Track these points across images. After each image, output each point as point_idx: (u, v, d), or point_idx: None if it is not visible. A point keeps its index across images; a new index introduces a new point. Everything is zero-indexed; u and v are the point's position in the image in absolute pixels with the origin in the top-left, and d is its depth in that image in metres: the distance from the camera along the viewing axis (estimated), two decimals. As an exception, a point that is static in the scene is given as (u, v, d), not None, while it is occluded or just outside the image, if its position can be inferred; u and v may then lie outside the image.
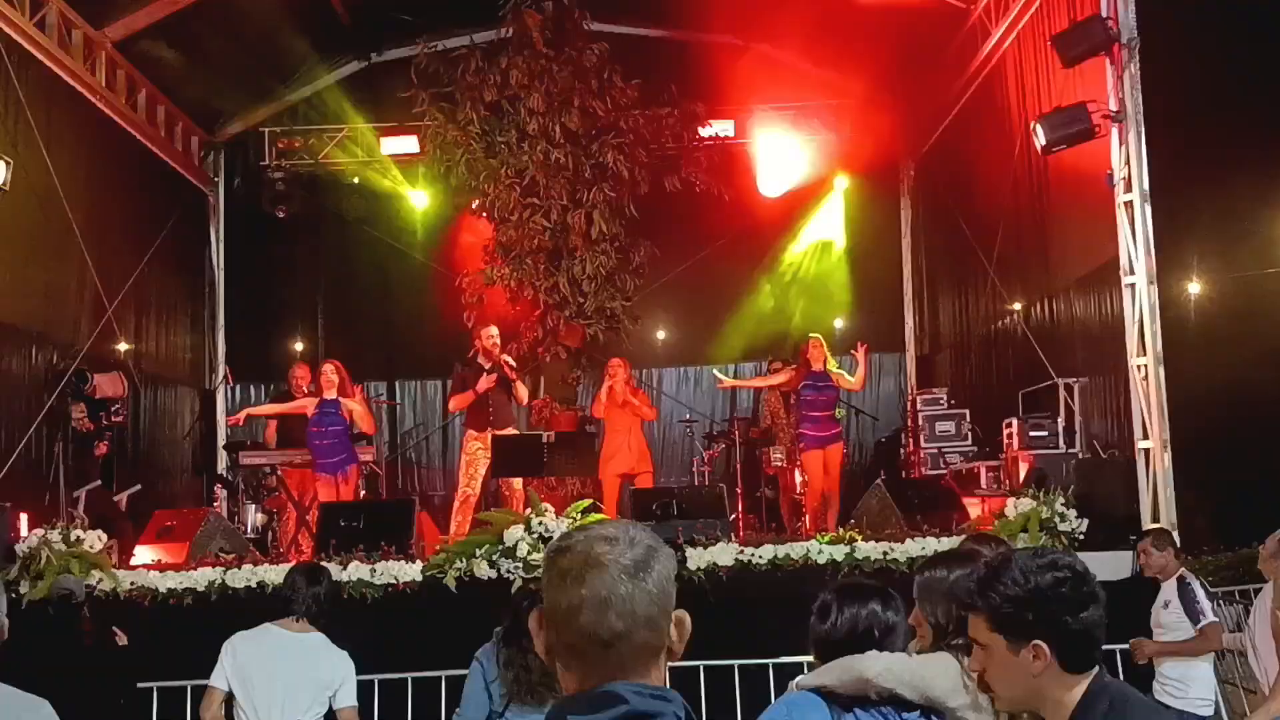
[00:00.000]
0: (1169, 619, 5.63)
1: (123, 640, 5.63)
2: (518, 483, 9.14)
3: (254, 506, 10.06)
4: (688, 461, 11.77)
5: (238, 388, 13.18)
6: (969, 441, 10.70)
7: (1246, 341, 8.25)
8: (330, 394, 8.98)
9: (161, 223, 11.50)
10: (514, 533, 7.15)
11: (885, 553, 7.24)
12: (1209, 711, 5.57)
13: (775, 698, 4.65)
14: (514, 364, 9.55)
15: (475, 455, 9.32)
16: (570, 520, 7.25)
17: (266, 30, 10.52)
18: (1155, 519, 7.45)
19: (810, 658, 2.60)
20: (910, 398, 12.14)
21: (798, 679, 2.54)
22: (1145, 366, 7.69)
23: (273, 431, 10.49)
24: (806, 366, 9.40)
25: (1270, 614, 4.70)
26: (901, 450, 11.77)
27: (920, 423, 10.95)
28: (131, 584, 7.17)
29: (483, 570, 7.08)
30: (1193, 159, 8.15)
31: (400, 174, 12.90)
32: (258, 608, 6.88)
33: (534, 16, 11.38)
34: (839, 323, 13.29)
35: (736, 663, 6.47)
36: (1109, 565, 6.60)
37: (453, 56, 11.72)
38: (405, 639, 6.61)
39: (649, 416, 10.39)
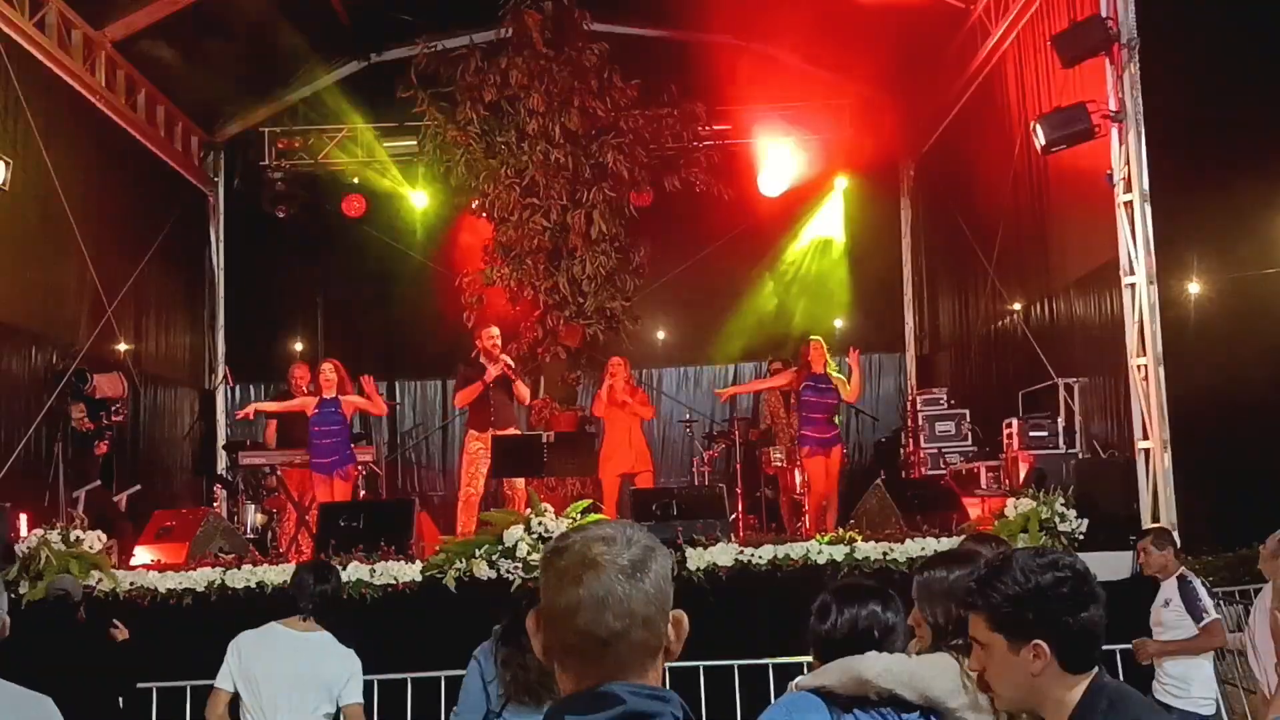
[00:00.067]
0: (1169, 617, 5.63)
1: (123, 634, 5.62)
2: (520, 482, 9.14)
3: (253, 507, 10.05)
4: (687, 461, 11.77)
5: (237, 388, 13.17)
6: (969, 441, 10.69)
7: (1246, 341, 8.26)
8: (329, 393, 8.98)
9: (161, 223, 11.50)
10: (513, 533, 7.15)
11: (885, 553, 7.23)
12: (1210, 711, 5.58)
13: (775, 698, 4.65)
14: (512, 364, 9.54)
15: (476, 455, 9.32)
16: (570, 520, 7.25)
17: (266, 30, 10.52)
18: (1155, 519, 7.45)
19: (810, 658, 2.60)
20: (910, 398, 12.14)
21: (797, 680, 2.54)
22: (1145, 366, 7.68)
23: (272, 431, 10.49)
24: (807, 368, 9.40)
25: (1270, 614, 4.70)
26: (901, 450, 11.76)
27: (920, 423, 10.94)
28: (131, 584, 7.18)
29: (482, 570, 7.08)
30: (1192, 159, 8.16)
31: (400, 174, 12.89)
32: (257, 608, 6.90)
33: (534, 16, 11.38)
34: (839, 323, 13.29)
35: (736, 663, 6.47)
36: (1109, 565, 6.60)
37: (452, 56, 11.72)
38: (405, 639, 6.61)
39: (646, 416, 10.39)
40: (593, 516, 7.40)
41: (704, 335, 13.34)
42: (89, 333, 9.95)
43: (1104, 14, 7.78)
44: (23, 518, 7.86)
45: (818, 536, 7.50)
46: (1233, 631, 6.06)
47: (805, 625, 2.59)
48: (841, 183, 13.16)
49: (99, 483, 9.44)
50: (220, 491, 11.47)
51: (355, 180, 12.90)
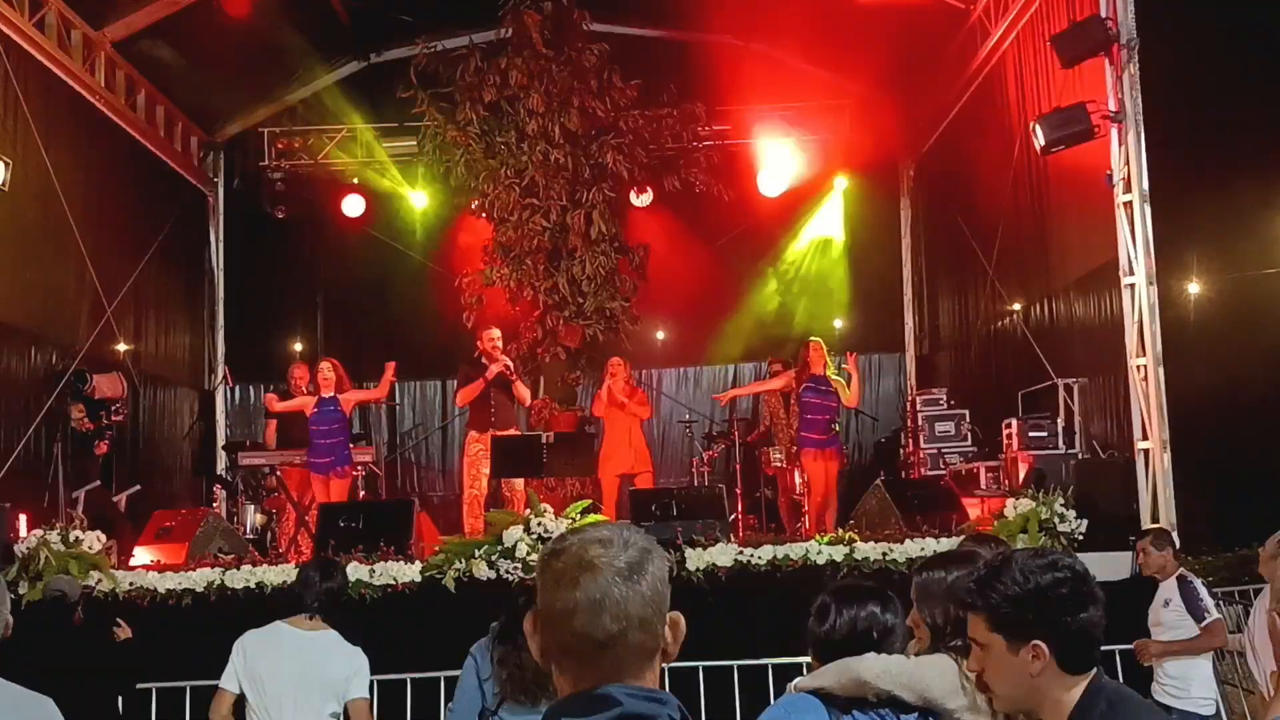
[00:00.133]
0: (1170, 618, 5.63)
1: (126, 633, 5.62)
2: (518, 483, 9.14)
3: (253, 507, 10.05)
4: (687, 462, 11.76)
5: (237, 388, 13.17)
6: (968, 442, 10.69)
7: (1246, 341, 8.26)
8: (327, 392, 8.98)
9: (161, 223, 11.50)
10: (513, 533, 7.15)
11: (885, 553, 7.23)
12: (1210, 711, 5.58)
13: (774, 699, 4.65)
14: (511, 365, 9.53)
15: (477, 456, 9.33)
16: (569, 520, 7.26)
17: (266, 30, 10.51)
18: (1155, 519, 7.44)
19: (809, 659, 2.60)
20: (910, 398, 12.13)
21: (795, 681, 2.54)
22: (1145, 367, 7.68)
23: (272, 432, 10.49)
24: (806, 369, 9.39)
25: (1268, 616, 4.70)
26: (901, 450, 11.75)
27: (920, 423, 10.94)
28: (130, 584, 7.18)
29: (482, 571, 7.08)
30: (1192, 159, 8.16)
31: (399, 174, 12.89)
32: (257, 608, 6.89)
33: (533, 17, 11.39)
34: (839, 323, 13.29)
35: (735, 663, 6.47)
36: (1108, 566, 6.60)
37: (452, 57, 11.73)
38: (404, 640, 6.61)
39: (644, 416, 10.40)
40: (592, 517, 7.41)
41: (704, 335, 13.34)
42: (89, 333, 9.95)
43: (1103, 14, 7.78)
44: (22, 518, 7.86)
45: (817, 537, 7.50)
46: (1232, 632, 6.06)
47: (804, 626, 2.59)
48: (841, 183, 13.15)
49: (98, 483, 9.45)
50: (220, 492, 11.47)
51: (355, 180, 12.89)
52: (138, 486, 10.28)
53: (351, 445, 9.56)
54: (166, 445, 11.92)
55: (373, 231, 13.01)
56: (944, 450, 10.65)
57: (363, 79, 13.16)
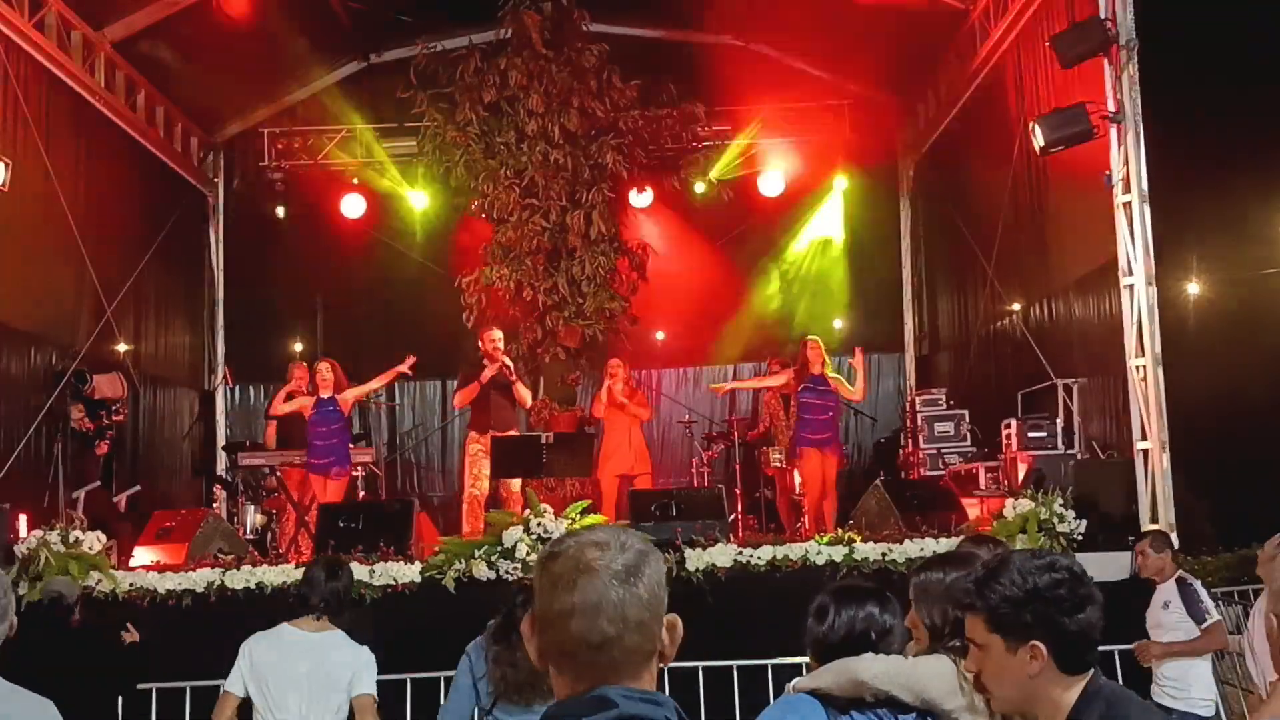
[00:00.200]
0: (1169, 619, 5.63)
1: (134, 637, 5.62)
2: (516, 483, 9.14)
3: (253, 507, 10.05)
4: (687, 462, 11.77)
5: (237, 388, 13.17)
6: (968, 442, 10.68)
7: (1245, 342, 8.27)
8: (326, 393, 8.98)
9: (161, 223, 11.49)
10: (513, 533, 7.16)
11: (884, 554, 7.23)
12: (1210, 712, 5.58)
13: (773, 699, 4.65)
14: (510, 365, 9.53)
15: (476, 457, 9.33)
16: (569, 521, 7.26)
17: (265, 30, 10.51)
18: (1154, 520, 7.44)
19: (808, 659, 2.60)
20: (909, 398, 12.13)
21: (794, 681, 2.54)
22: (1144, 367, 7.68)
23: (272, 432, 10.50)
24: (805, 368, 9.39)
25: (1266, 617, 4.70)
26: (900, 451, 11.75)
27: (919, 423, 10.94)
28: (130, 585, 7.18)
29: (481, 571, 7.08)
30: (1191, 160, 8.16)
31: (399, 174, 12.89)
32: (257, 609, 6.91)
33: (533, 17, 11.39)
34: (838, 323, 13.29)
35: (735, 664, 6.47)
36: (1108, 566, 6.61)
37: (452, 57, 11.74)
38: (404, 640, 6.61)
39: (644, 417, 10.41)
40: (591, 518, 7.42)
41: (704, 335, 13.33)
42: (88, 333, 9.96)
43: (1103, 15, 7.78)
44: (22, 518, 7.86)
45: (816, 537, 7.51)
46: (1232, 633, 6.06)
47: (804, 626, 2.60)
48: (841, 183, 13.15)
49: (98, 483, 9.45)
50: (220, 492, 11.47)
51: (355, 181, 12.89)
52: (138, 487, 10.29)
53: (351, 445, 9.57)
54: (166, 446, 11.92)
55: (373, 232, 13.01)
56: (943, 450, 10.65)
57: (362, 79, 13.16)
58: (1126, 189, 7.79)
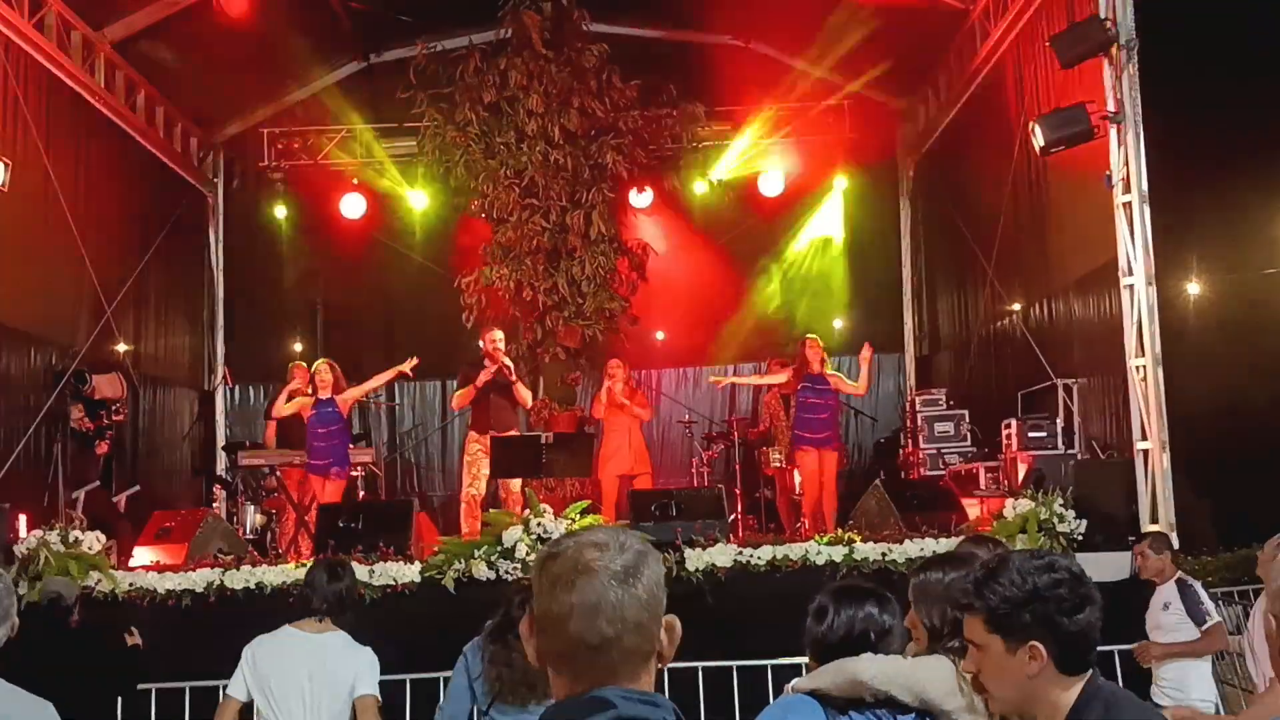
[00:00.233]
0: (1169, 621, 5.63)
1: (136, 640, 5.63)
2: (515, 484, 9.14)
3: (253, 507, 10.05)
4: (687, 462, 11.77)
5: (236, 388, 13.17)
6: (968, 442, 10.69)
7: (1245, 342, 8.26)
8: (325, 394, 8.97)
9: (161, 223, 11.50)
10: (512, 534, 7.16)
11: (884, 554, 7.23)
12: (1210, 713, 5.57)
13: (773, 699, 4.65)
14: (510, 366, 9.53)
15: (475, 457, 9.34)
16: (568, 521, 7.26)
17: (265, 31, 10.51)
18: (1154, 520, 7.44)
19: (807, 660, 2.60)
20: (909, 398, 12.13)
21: (793, 682, 2.54)
22: (1144, 367, 7.68)
23: (272, 432, 10.50)
24: (804, 368, 9.38)
25: (1264, 618, 4.70)
26: (900, 451, 11.76)
27: (919, 423, 10.94)
28: (130, 585, 7.18)
29: (481, 571, 7.09)
30: (1191, 160, 8.15)
31: (399, 174, 12.89)
32: (256, 609, 6.92)
33: (533, 17, 11.39)
34: (838, 323, 13.29)
35: (735, 664, 6.47)
36: (1108, 566, 6.61)
37: (452, 57, 11.74)
38: (404, 640, 6.61)
39: (645, 417, 10.41)
40: (589, 519, 7.41)
41: (704, 335, 13.33)
42: (88, 333, 9.95)
43: (1102, 15, 7.78)
44: (22, 518, 7.86)
45: (816, 538, 7.50)
46: (1232, 633, 6.06)
47: (803, 626, 2.60)
48: (841, 183, 13.15)
49: (98, 483, 9.45)
50: (219, 492, 11.47)
51: (355, 181, 12.89)
52: (137, 487, 10.29)
53: (351, 445, 9.58)
54: (166, 446, 11.92)
55: (373, 232, 13.01)
56: (943, 450, 10.65)
57: (362, 79, 13.16)
58: (1126, 189, 7.79)
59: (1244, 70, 8.07)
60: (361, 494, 10.18)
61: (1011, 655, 2.02)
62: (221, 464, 11.93)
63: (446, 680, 6.06)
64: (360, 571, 7.03)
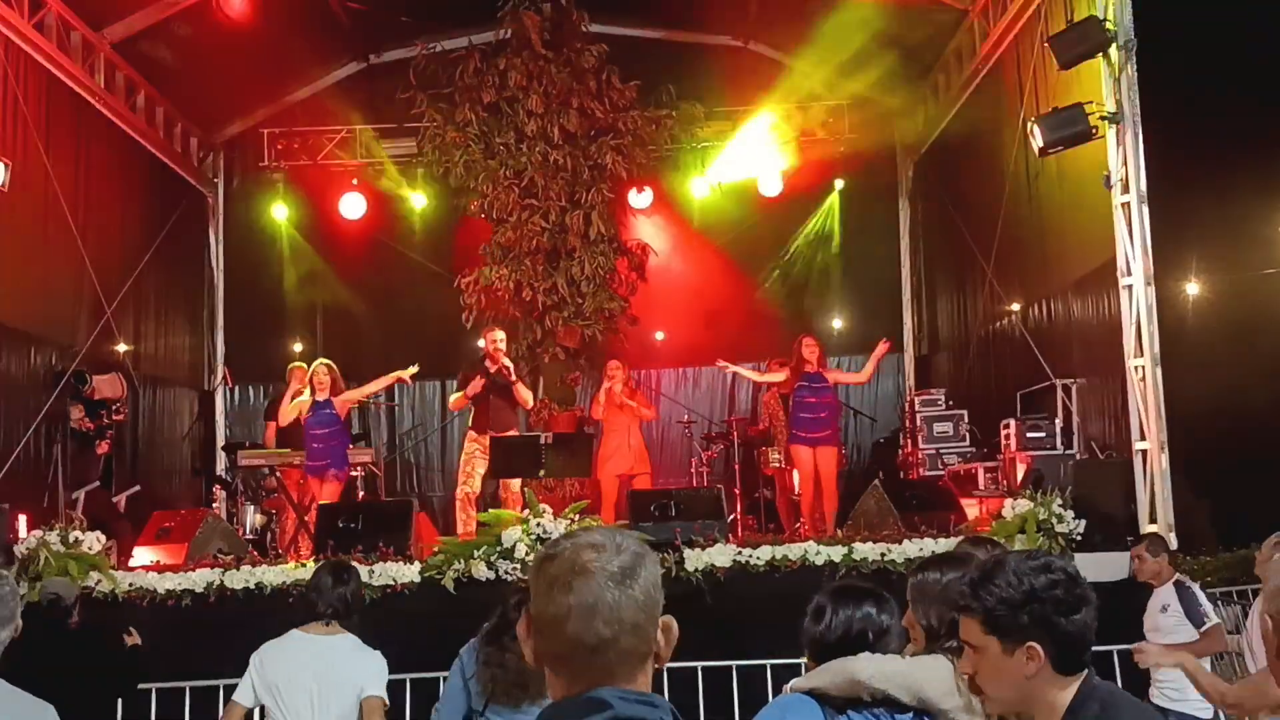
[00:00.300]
0: (1167, 623, 5.64)
1: (136, 640, 5.64)
2: (515, 484, 9.15)
3: (253, 508, 10.06)
4: (686, 462, 11.77)
5: (236, 389, 13.18)
6: (967, 442, 10.69)
7: (1244, 342, 8.26)
8: (322, 395, 8.97)
9: (161, 223, 11.50)
10: (512, 534, 7.16)
11: (883, 554, 7.23)
12: (1208, 714, 5.58)
13: (772, 699, 4.65)
14: (510, 367, 9.53)
15: (472, 455, 9.34)
16: (568, 521, 7.27)
17: (265, 31, 10.52)
18: (1153, 520, 7.44)
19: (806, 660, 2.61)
20: (908, 398, 12.13)
21: (791, 682, 2.55)
22: (1143, 368, 7.68)
23: (272, 432, 10.50)
24: (801, 367, 9.38)
25: (1260, 618, 4.71)
26: (899, 451, 11.76)
27: (918, 423, 10.94)
28: (130, 585, 7.18)
29: (481, 571, 7.09)
30: (1190, 160, 8.15)
31: (399, 175, 12.89)
32: (256, 609, 6.92)
33: (532, 18, 11.41)
34: (838, 323, 13.29)
35: (734, 664, 6.47)
36: (1106, 566, 6.60)
37: (451, 58, 11.75)
38: (403, 640, 6.61)
39: (649, 417, 10.41)
40: (587, 521, 7.42)
41: (703, 335, 13.31)
42: (88, 333, 9.96)
43: (1101, 15, 7.78)
44: (22, 519, 7.87)
45: (814, 538, 7.51)
46: (1231, 633, 6.07)
47: (803, 626, 2.60)
48: (840, 183, 13.16)
49: (98, 483, 9.46)
50: (219, 492, 11.47)
51: (355, 181, 12.90)
52: (137, 487, 10.30)
53: (351, 445, 9.58)
54: (166, 446, 11.92)
55: (373, 232, 13.01)
56: (942, 451, 10.66)
57: (362, 80, 13.16)
58: (1125, 189, 7.79)
59: (1243, 70, 8.07)
60: (361, 494, 10.18)
61: (1009, 657, 2.02)
62: (221, 464, 11.94)
63: (445, 681, 6.09)
64: (360, 572, 7.03)
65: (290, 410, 9.34)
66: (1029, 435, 9.15)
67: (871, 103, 12.76)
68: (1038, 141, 8.14)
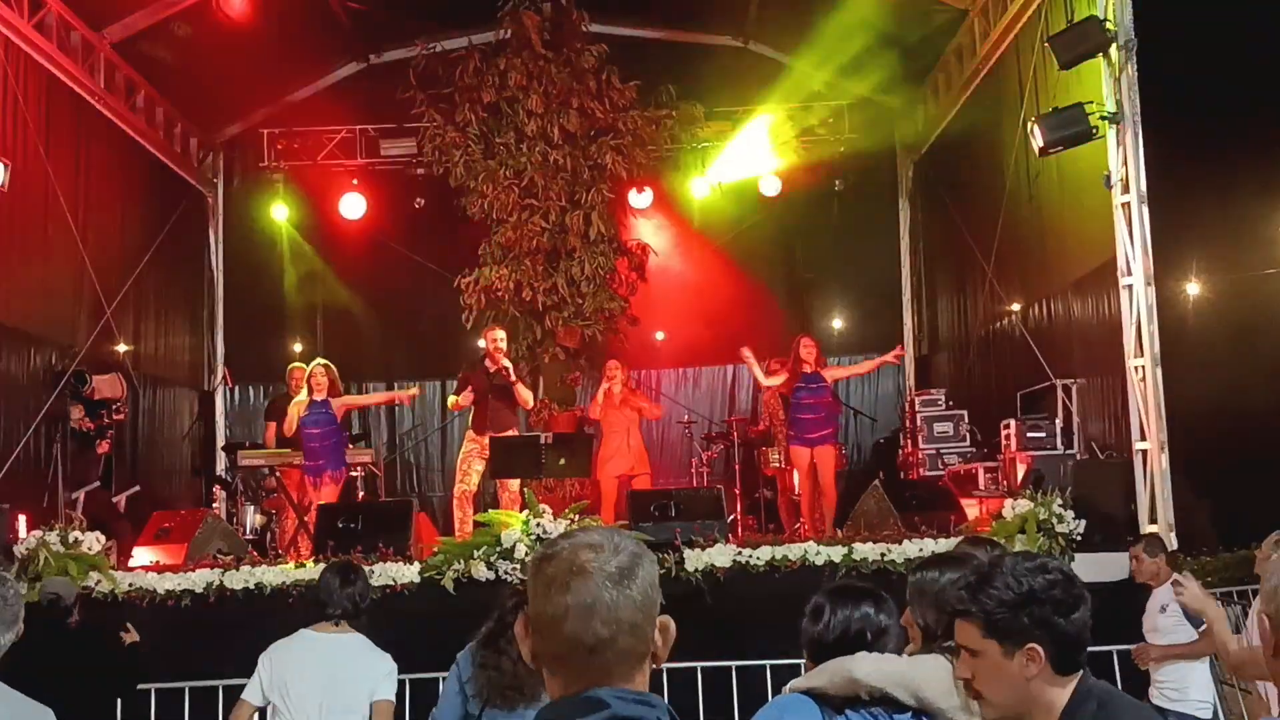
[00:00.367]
0: (1166, 623, 5.63)
1: (133, 636, 5.64)
2: (514, 484, 9.14)
3: (252, 508, 10.06)
4: (686, 462, 11.77)
5: (236, 389, 13.18)
6: (967, 442, 10.69)
7: (1244, 342, 8.25)
8: (320, 395, 8.96)
9: (160, 223, 11.50)
10: (511, 534, 7.16)
11: (883, 554, 7.23)
12: (1208, 714, 5.59)
13: (772, 699, 4.65)
14: (510, 368, 9.52)
15: (470, 454, 9.32)
16: (567, 522, 7.27)
17: (265, 31, 10.52)
18: (1153, 520, 7.44)
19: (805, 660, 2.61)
20: (908, 398, 12.13)
21: (791, 682, 2.55)
22: (1143, 368, 7.68)
23: (271, 433, 10.49)
24: (798, 368, 9.37)
25: (1258, 617, 4.71)
26: (899, 451, 11.76)
27: (918, 423, 10.94)
28: (129, 585, 7.18)
29: (480, 571, 7.09)
30: (1190, 160, 8.14)
31: (399, 175, 12.88)
32: (256, 609, 6.92)
33: (532, 18, 11.41)
34: (838, 323, 13.29)
35: (734, 664, 6.47)
36: (1106, 566, 6.61)
37: (451, 58, 11.76)
38: (403, 640, 6.60)
39: (654, 416, 10.40)
40: (587, 521, 7.42)
41: (703, 335, 13.32)
42: (88, 334, 9.96)
43: (1101, 15, 7.79)
44: (22, 519, 7.86)
45: (814, 539, 7.51)
46: (1231, 633, 6.05)
47: (801, 626, 2.60)
48: (840, 183, 13.15)
49: (98, 484, 9.46)
50: (219, 492, 11.48)
51: (354, 181, 12.91)
52: (137, 487, 10.30)
53: (351, 445, 9.57)
54: (166, 446, 11.92)
55: (372, 232, 13.02)
56: (942, 451, 10.66)
57: (362, 80, 13.17)
58: (1125, 189, 7.79)
59: (1243, 70, 8.06)
60: (361, 494, 10.18)
61: (1009, 659, 2.02)
62: (221, 464, 11.94)
63: (443, 682, 6.09)
64: (361, 572, 7.04)
65: (291, 413, 9.35)
66: (1029, 435, 9.15)
67: (872, 103, 12.77)
68: (1038, 141, 8.14)
